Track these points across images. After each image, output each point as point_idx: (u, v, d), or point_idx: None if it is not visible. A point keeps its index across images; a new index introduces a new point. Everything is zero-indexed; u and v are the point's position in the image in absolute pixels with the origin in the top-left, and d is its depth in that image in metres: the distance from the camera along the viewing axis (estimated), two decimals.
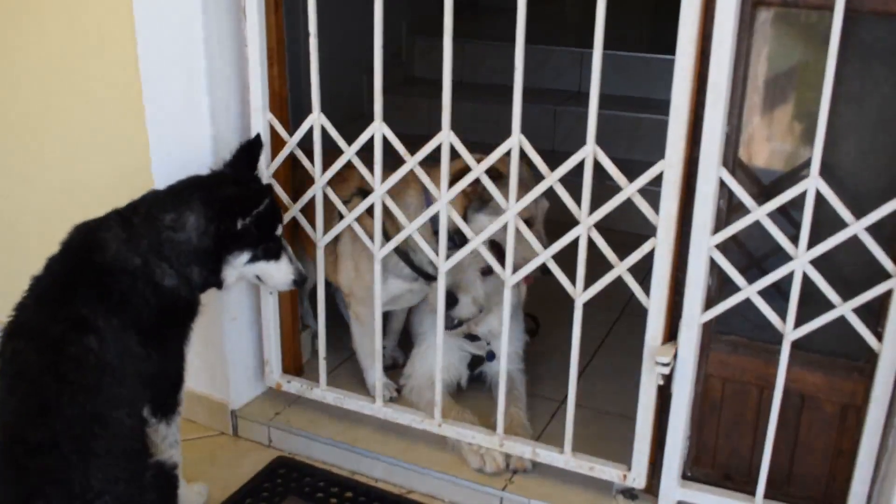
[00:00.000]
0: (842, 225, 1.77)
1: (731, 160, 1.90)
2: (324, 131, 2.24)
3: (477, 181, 2.12)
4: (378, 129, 2.16)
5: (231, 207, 1.92)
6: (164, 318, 1.93)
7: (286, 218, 2.35)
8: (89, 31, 2.41)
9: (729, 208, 1.92)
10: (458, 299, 2.46)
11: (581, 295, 2.06)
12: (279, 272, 2.06)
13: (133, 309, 1.86)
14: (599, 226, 2.00)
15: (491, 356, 2.65)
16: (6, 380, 1.79)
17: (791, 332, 1.88)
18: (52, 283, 1.87)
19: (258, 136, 2.16)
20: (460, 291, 2.46)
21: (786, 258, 1.84)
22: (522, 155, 2.03)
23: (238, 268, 2.00)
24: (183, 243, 1.90)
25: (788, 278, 1.85)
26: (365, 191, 2.33)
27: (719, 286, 1.99)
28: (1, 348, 1.83)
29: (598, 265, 2.02)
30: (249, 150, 2.09)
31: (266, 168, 2.32)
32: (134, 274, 1.87)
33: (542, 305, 3.02)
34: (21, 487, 1.70)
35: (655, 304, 1.99)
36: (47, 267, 1.90)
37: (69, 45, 2.46)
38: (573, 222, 2.01)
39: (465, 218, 2.25)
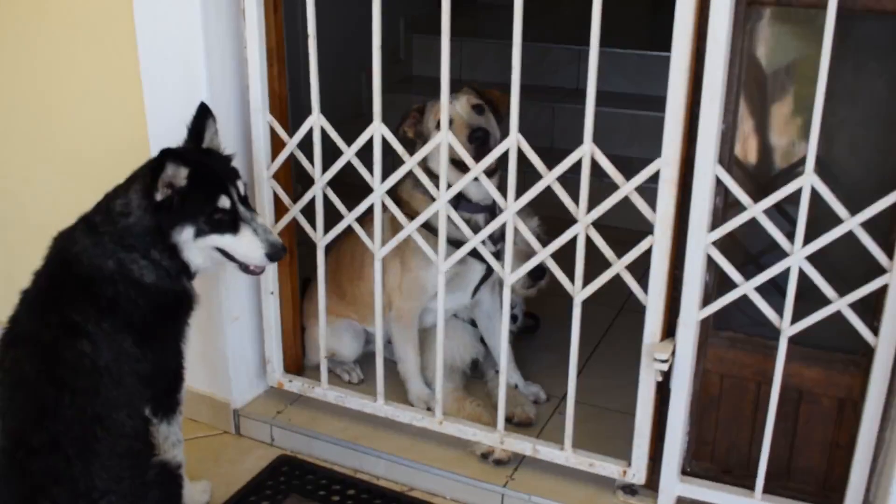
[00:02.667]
0: (837, 221, 1.78)
1: (728, 157, 1.91)
2: (323, 132, 2.26)
3: None
4: (377, 130, 2.17)
5: (146, 179, 1.86)
6: (156, 317, 1.94)
7: (285, 219, 2.37)
8: (89, 39, 2.42)
9: (725, 205, 1.94)
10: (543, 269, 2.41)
11: (580, 293, 2.07)
12: (242, 245, 1.92)
13: (122, 311, 1.87)
14: (597, 223, 2.01)
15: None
16: (6, 388, 1.83)
17: (788, 328, 1.89)
18: (39, 294, 1.90)
19: (202, 104, 2.01)
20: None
21: (782, 254, 1.86)
22: None
23: (189, 243, 1.90)
24: (135, 225, 1.87)
25: (785, 274, 1.86)
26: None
27: (717, 283, 2.00)
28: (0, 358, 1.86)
29: (596, 263, 2.03)
30: (194, 122, 1.99)
31: (266, 169, 2.33)
32: (113, 278, 1.87)
33: (542, 303, 3.03)
34: (27, 488, 1.73)
35: (653, 301, 2.00)
36: (34, 281, 1.93)
37: (68, 50, 2.47)
38: (571, 220, 2.03)
39: None
